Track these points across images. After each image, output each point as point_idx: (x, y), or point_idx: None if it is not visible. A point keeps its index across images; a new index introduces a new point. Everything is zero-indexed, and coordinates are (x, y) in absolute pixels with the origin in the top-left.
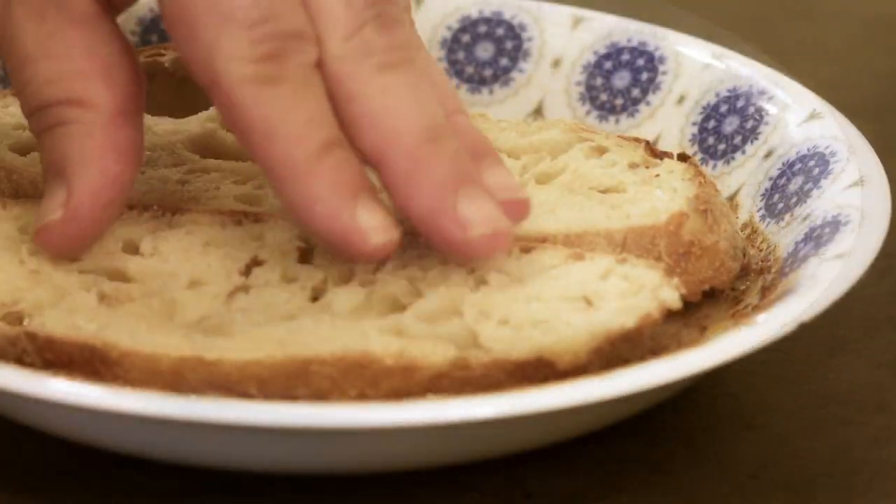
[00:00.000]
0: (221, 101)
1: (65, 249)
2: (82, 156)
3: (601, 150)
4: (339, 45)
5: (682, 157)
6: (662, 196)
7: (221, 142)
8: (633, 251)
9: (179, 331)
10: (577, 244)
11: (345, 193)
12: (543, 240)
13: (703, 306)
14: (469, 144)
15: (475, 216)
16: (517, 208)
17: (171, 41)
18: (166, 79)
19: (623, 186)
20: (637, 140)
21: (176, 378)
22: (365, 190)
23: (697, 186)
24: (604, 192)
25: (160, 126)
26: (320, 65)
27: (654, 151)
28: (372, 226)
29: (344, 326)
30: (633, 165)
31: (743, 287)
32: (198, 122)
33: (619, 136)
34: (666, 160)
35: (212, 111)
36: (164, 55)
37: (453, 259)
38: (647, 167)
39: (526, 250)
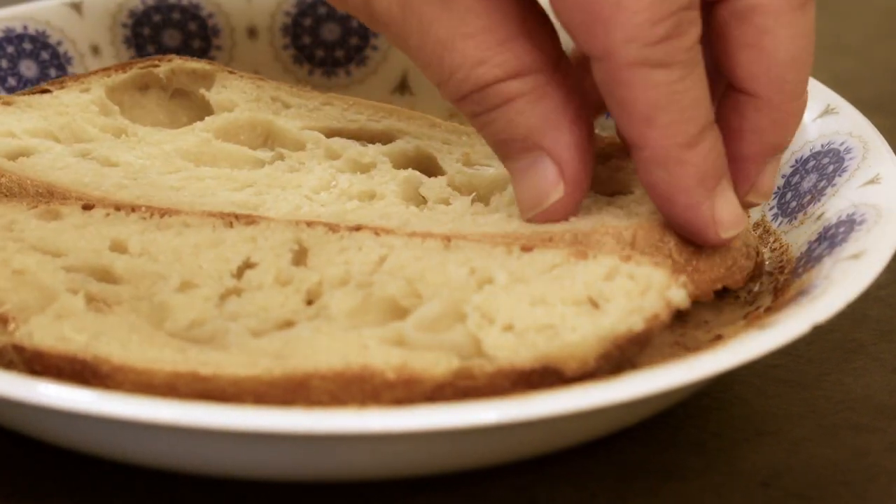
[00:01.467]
0: (607, 76)
1: (563, 217)
2: (548, 122)
3: (606, 156)
4: None
5: None
6: None
7: (217, 151)
8: (642, 249)
9: (172, 342)
10: (584, 244)
11: (709, 184)
12: (550, 239)
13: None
14: None
15: (729, 217)
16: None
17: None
18: (160, 91)
19: (628, 188)
20: None
21: (170, 392)
22: (725, 177)
23: None
24: (611, 195)
25: (154, 136)
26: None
27: None
28: (727, 219)
29: (342, 337)
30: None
31: (756, 288)
32: (193, 133)
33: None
34: None
35: (207, 122)
36: (158, 66)
37: (451, 259)
38: None
39: (527, 249)
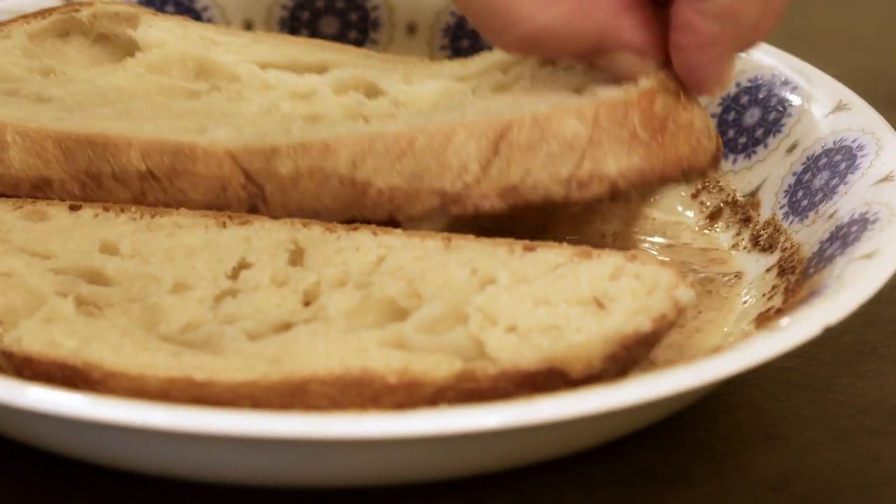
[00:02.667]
0: None
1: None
2: (607, 25)
3: (554, 62)
4: None
5: None
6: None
7: (151, 85)
8: (606, 128)
9: (166, 346)
10: (545, 126)
11: (738, 45)
12: (509, 125)
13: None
14: None
15: (727, 76)
16: None
17: None
18: (82, 36)
19: (590, 89)
20: None
21: (164, 399)
22: None
23: (664, 74)
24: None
25: (83, 74)
26: None
27: None
28: (726, 78)
29: (341, 340)
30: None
31: (713, 173)
32: (124, 69)
33: None
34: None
35: (138, 58)
36: (79, 11)
37: (452, 259)
38: None
39: (530, 248)
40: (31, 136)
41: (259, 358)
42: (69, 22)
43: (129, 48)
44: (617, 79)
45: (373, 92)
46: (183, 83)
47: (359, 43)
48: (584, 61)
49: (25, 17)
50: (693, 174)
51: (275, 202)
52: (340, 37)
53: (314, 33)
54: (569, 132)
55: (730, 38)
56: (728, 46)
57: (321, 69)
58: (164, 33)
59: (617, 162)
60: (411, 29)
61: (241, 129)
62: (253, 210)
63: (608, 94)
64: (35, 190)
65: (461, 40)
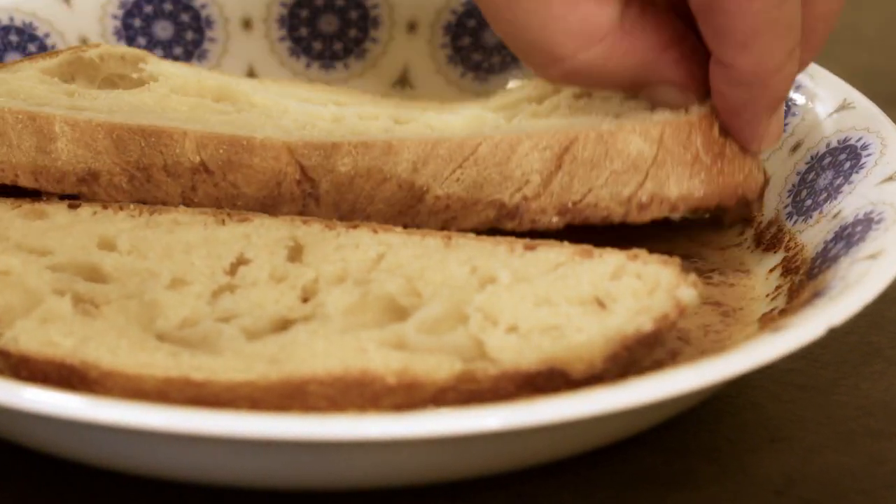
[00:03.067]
0: (702, 3)
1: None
2: (646, 62)
3: (590, 93)
4: None
5: None
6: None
7: (178, 104)
8: (669, 148)
9: (163, 346)
10: (610, 143)
11: (774, 105)
12: (574, 139)
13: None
14: None
15: (774, 133)
16: None
17: None
18: (88, 81)
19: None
20: None
21: (161, 399)
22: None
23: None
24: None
25: (108, 95)
26: None
27: None
28: (772, 135)
29: (341, 340)
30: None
31: (756, 211)
32: (149, 91)
33: None
34: None
35: (161, 82)
36: (86, 52)
37: (452, 258)
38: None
39: (530, 247)
40: (81, 127)
41: (258, 358)
42: (76, 63)
43: (141, 83)
44: (657, 108)
45: (402, 121)
46: (213, 104)
47: (359, 41)
48: (626, 91)
49: (32, 58)
50: (743, 205)
51: (328, 201)
52: (340, 35)
53: (313, 31)
54: (634, 150)
55: (761, 100)
56: (762, 107)
57: (340, 105)
58: (174, 69)
59: (678, 185)
60: (412, 27)
61: (292, 132)
62: (305, 211)
63: (673, 115)
64: (81, 184)
65: (462, 38)
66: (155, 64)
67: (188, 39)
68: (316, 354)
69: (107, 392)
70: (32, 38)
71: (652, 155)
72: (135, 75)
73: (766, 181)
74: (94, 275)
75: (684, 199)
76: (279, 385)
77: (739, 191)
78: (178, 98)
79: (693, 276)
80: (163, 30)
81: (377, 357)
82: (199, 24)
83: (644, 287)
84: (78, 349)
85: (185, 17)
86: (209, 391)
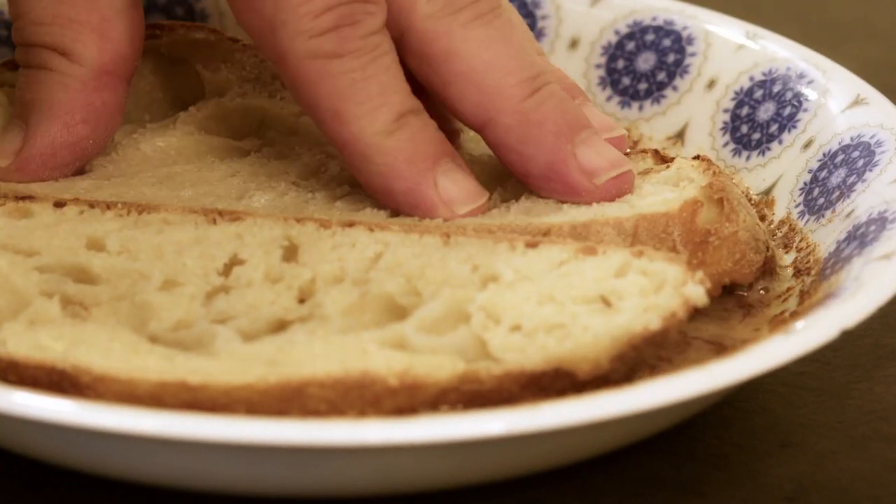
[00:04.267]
0: (287, 77)
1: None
2: (50, 108)
3: None
4: (427, 2)
5: (696, 158)
6: (676, 188)
7: (199, 144)
8: (644, 241)
9: (157, 349)
10: (584, 236)
11: (423, 165)
12: (547, 232)
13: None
14: (561, 84)
15: (598, 161)
16: (617, 144)
17: (233, 13)
18: (159, 61)
19: (635, 189)
20: (644, 151)
21: (155, 402)
22: (445, 156)
23: (711, 176)
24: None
25: (130, 136)
26: (407, 27)
27: (662, 158)
28: (455, 195)
29: (340, 341)
30: (643, 173)
31: (763, 288)
32: (174, 126)
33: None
34: (677, 159)
35: (191, 112)
36: (159, 37)
37: (452, 256)
38: (657, 172)
39: (532, 245)
40: None
41: (255, 360)
42: (146, 47)
43: (193, 91)
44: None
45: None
46: (233, 142)
47: None
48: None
49: None
50: (734, 289)
51: None
52: None
53: None
54: (607, 243)
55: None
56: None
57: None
58: (234, 73)
59: None
60: None
61: (283, 193)
62: None
63: (649, 202)
64: None
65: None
66: (221, 57)
67: (178, 14)
68: (315, 356)
69: (99, 397)
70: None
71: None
72: (199, 68)
73: (769, 259)
74: (83, 276)
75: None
76: (277, 388)
77: (726, 279)
78: (201, 138)
79: (701, 274)
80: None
81: (378, 358)
82: (194, 19)
83: (651, 284)
84: (69, 353)
85: (179, 11)
86: (205, 395)
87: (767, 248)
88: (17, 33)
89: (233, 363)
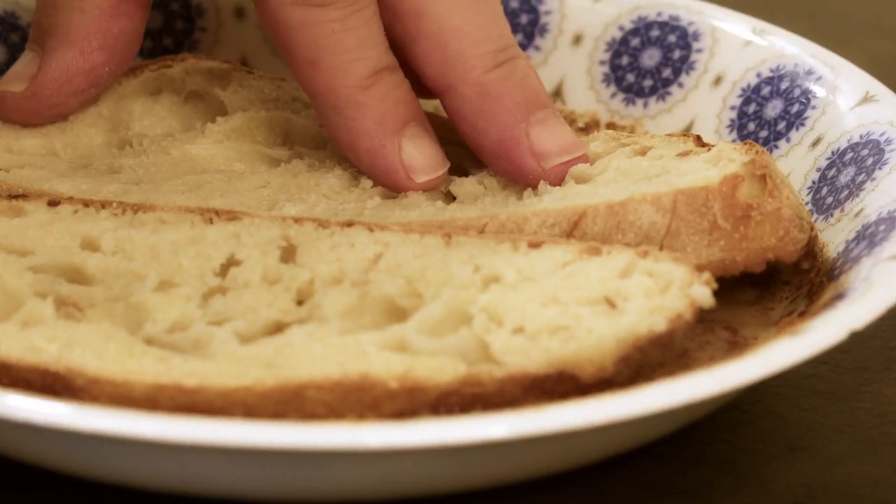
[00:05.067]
0: (267, 20)
1: (17, 120)
2: (66, 33)
3: (646, 150)
4: None
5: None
6: (717, 166)
7: (230, 152)
8: (684, 217)
9: (152, 351)
10: (621, 215)
11: (391, 126)
12: (583, 214)
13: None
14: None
15: (550, 145)
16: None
17: None
18: (174, 94)
19: (674, 170)
20: (686, 135)
21: (150, 405)
22: (414, 119)
23: (754, 154)
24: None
25: (161, 142)
26: None
27: (704, 145)
28: (417, 162)
29: (339, 343)
30: (683, 154)
31: (807, 266)
32: (203, 135)
33: (666, 135)
34: (720, 143)
35: (219, 123)
36: (171, 66)
37: (453, 256)
38: (697, 154)
39: (535, 245)
40: None
41: (252, 362)
42: (161, 79)
43: (219, 108)
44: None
45: (460, 168)
46: (264, 149)
47: None
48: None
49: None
50: (781, 266)
51: None
52: None
53: None
54: (645, 221)
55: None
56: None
57: None
58: (254, 94)
59: (696, 254)
60: None
61: (314, 205)
62: None
63: (688, 179)
64: None
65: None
66: (237, 82)
67: (178, 29)
68: (314, 358)
69: (93, 400)
70: (15, 27)
71: (665, 225)
72: (217, 91)
73: (813, 238)
74: (77, 276)
75: (702, 267)
76: (275, 391)
77: (770, 255)
78: (231, 146)
79: (707, 275)
80: (152, 20)
81: (378, 360)
82: (190, 13)
83: (656, 285)
84: (62, 355)
85: (175, 6)
86: (202, 398)
87: (812, 228)
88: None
89: (229, 365)
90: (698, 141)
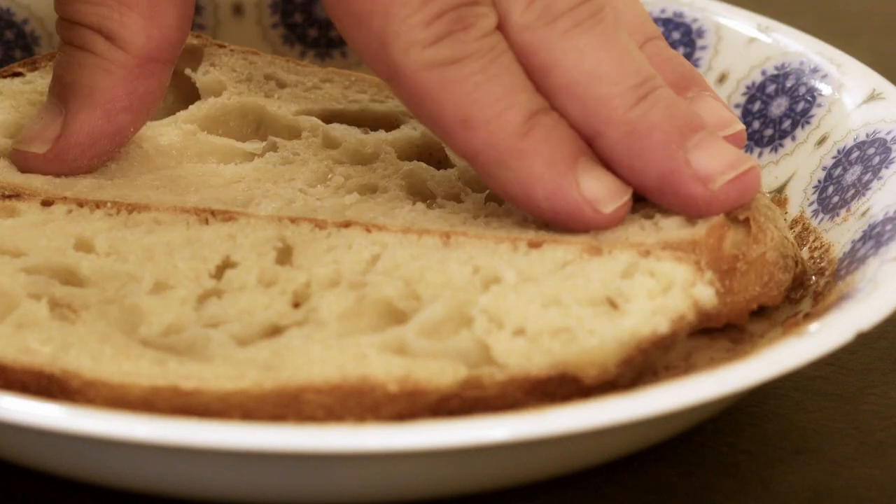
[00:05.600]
0: (406, 93)
1: (41, 174)
2: (92, 94)
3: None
4: (523, 14)
5: None
6: None
7: (202, 145)
8: None
9: (149, 353)
10: None
11: (562, 166)
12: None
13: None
14: (669, 76)
15: (713, 165)
16: (735, 142)
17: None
18: None
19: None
20: None
21: (147, 408)
22: (583, 154)
23: None
24: (633, 211)
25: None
26: (504, 34)
27: None
28: (600, 193)
29: (338, 346)
30: None
31: (797, 297)
32: (175, 125)
33: None
34: None
35: (191, 111)
36: None
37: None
38: None
39: (535, 245)
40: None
41: (250, 365)
42: None
43: (190, 87)
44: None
45: (440, 159)
46: (236, 144)
47: None
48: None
49: None
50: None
51: None
52: None
53: (309, 17)
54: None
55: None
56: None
57: (390, 122)
58: (225, 74)
59: None
60: None
61: (291, 201)
62: None
63: (674, 225)
64: None
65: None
66: (209, 60)
67: None
68: (312, 361)
69: (89, 402)
70: (10, 24)
71: None
72: (189, 73)
73: (800, 273)
74: (71, 278)
75: None
76: (273, 394)
77: (753, 305)
78: (204, 138)
79: (710, 274)
80: None
81: (377, 363)
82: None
83: (658, 286)
84: (58, 357)
85: None
86: (199, 400)
87: (797, 263)
88: (60, 6)
89: (227, 368)
90: None
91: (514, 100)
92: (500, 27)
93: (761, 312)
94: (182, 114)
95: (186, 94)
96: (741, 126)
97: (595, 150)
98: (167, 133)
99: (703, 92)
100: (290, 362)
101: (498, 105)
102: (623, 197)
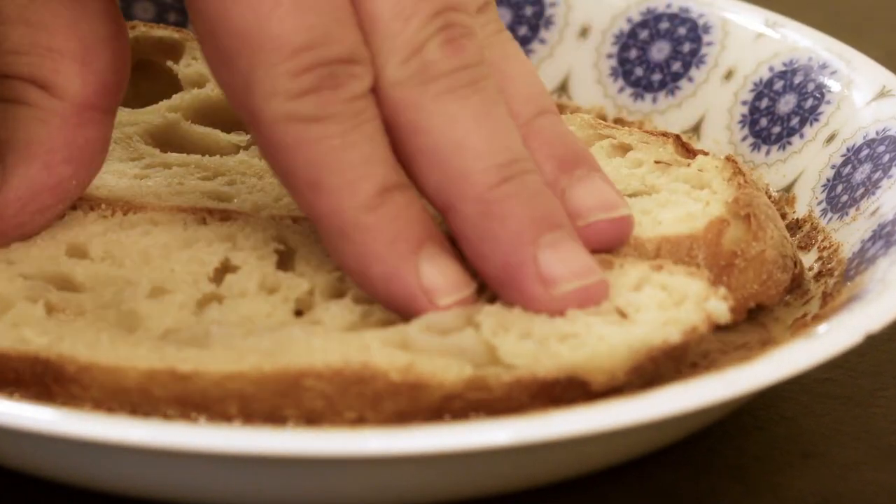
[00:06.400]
0: (260, 140)
1: None
2: (29, 146)
3: (624, 148)
4: (398, 68)
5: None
6: (699, 198)
7: (185, 134)
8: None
9: (146, 341)
10: (602, 258)
11: (405, 248)
12: None
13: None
14: (558, 153)
15: (560, 270)
16: (616, 228)
17: (207, 67)
18: None
19: (652, 189)
20: (665, 135)
21: (143, 396)
22: (429, 239)
23: (737, 188)
24: (631, 195)
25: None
26: (376, 90)
27: (685, 147)
28: (439, 284)
29: (341, 338)
30: (661, 164)
31: (793, 300)
32: (158, 113)
33: (644, 131)
34: (699, 157)
35: (174, 100)
36: None
37: None
38: (678, 166)
39: None
40: None
41: (250, 351)
42: None
43: (171, 80)
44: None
45: None
46: (221, 134)
47: None
48: None
49: None
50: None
51: None
52: None
53: None
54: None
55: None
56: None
57: None
58: (205, 67)
59: None
60: None
61: (278, 199)
62: None
63: (673, 218)
64: None
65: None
66: (190, 54)
67: (170, 21)
68: (314, 349)
69: (84, 389)
70: None
71: None
72: (170, 64)
73: (797, 274)
74: (66, 284)
75: None
76: (273, 378)
77: (751, 303)
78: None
79: (724, 290)
80: (144, 10)
81: (380, 353)
82: (182, 5)
83: (670, 298)
84: (53, 344)
85: None
86: (196, 385)
87: (795, 264)
88: None
89: (226, 352)
90: (678, 143)
91: (369, 171)
92: (375, 83)
93: (758, 313)
94: (165, 102)
95: (167, 88)
96: (628, 211)
97: (448, 223)
98: (151, 120)
99: (593, 172)
100: (292, 350)
101: (351, 173)
102: (464, 291)
